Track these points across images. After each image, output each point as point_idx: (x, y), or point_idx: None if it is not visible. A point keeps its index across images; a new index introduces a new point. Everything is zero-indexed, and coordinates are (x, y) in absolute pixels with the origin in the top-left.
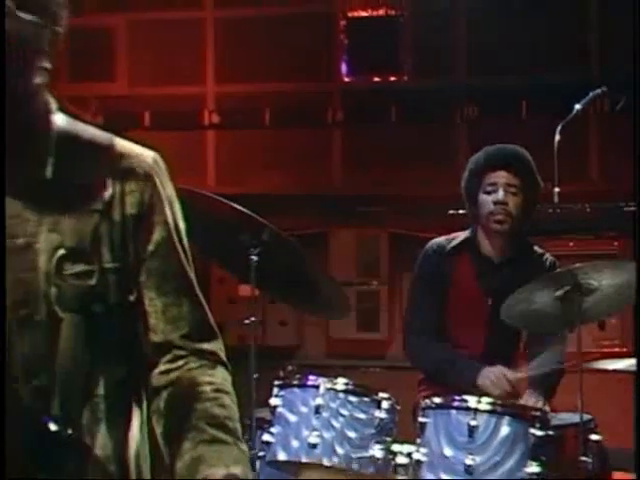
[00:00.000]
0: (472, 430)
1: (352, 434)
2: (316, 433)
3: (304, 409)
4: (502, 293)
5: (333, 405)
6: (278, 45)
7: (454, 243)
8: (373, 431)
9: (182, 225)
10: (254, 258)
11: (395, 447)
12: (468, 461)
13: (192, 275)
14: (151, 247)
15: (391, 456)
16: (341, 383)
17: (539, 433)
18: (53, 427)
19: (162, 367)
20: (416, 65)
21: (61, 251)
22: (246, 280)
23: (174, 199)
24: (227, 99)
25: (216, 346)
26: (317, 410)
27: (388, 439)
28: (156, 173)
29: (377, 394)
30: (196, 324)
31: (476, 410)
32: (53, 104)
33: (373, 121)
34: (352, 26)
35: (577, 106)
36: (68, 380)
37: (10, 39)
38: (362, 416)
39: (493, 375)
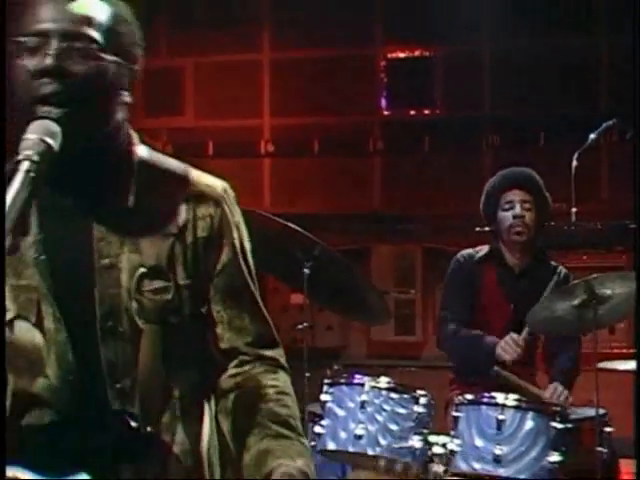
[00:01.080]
0: (500, 424)
1: (393, 427)
2: (362, 426)
3: (351, 404)
4: (522, 299)
5: (377, 401)
6: (326, 83)
7: (481, 254)
8: (412, 424)
9: (248, 246)
10: (306, 271)
11: (432, 438)
12: (497, 451)
13: (255, 290)
14: (219, 266)
15: (428, 446)
16: (384, 382)
17: (559, 426)
18: (133, 424)
19: (230, 371)
20: (447, 100)
21: (141, 270)
22: (298, 289)
23: (241, 223)
24: (281, 131)
25: (277, 353)
26: (362, 405)
27: (425, 431)
28: (225, 201)
29: (415, 391)
30: (258, 333)
31: (504, 406)
32: (135, 137)
33: (409, 149)
34: (391, 66)
35: (592, 135)
36: (148, 383)
37: (96, 79)
38: (402, 411)
39: (504, 343)
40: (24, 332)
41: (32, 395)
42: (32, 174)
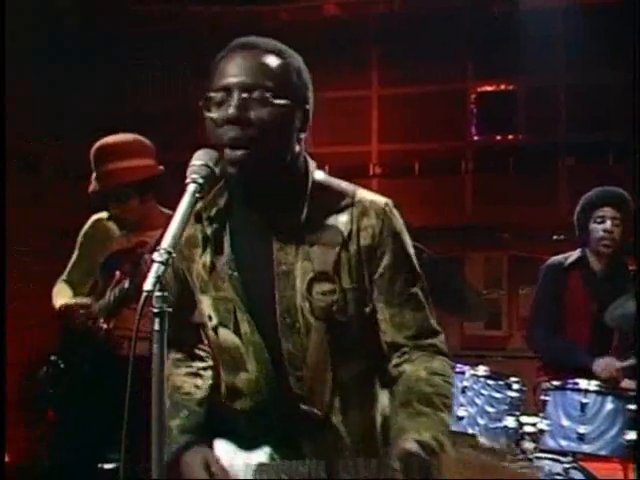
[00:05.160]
0: (583, 406)
1: (490, 409)
2: (463, 408)
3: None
4: (604, 300)
5: (476, 387)
6: (425, 114)
7: (570, 260)
8: (506, 407)
9: (411, 251)
10: None
11: (523, 419)
12: (581, 430)
13: (417, 288)
14: (381, 270)
15: (519, 426)
16: (482, 370)
17: (635, 408)
18: (304, 407)
19: (394, 361)
20: (528, 126)
21: (311, 275)
22: None
23: (402, 232)
24: (387, 155)
25: (435, 340)
26: (463, 390)
27: (517, 413)
28: (385, 213)
29: (509, 378)
30: (417, 326)
31: (586, 391)
32: (312, 164)
33: (496, 169)
34: (480, 98)
35: None
36: (319, 371)
37: (271, 122)
38: (498, 395)
39: (604, 363)
40: (226, 336)
41: (237, 387)
42: (197, 195)
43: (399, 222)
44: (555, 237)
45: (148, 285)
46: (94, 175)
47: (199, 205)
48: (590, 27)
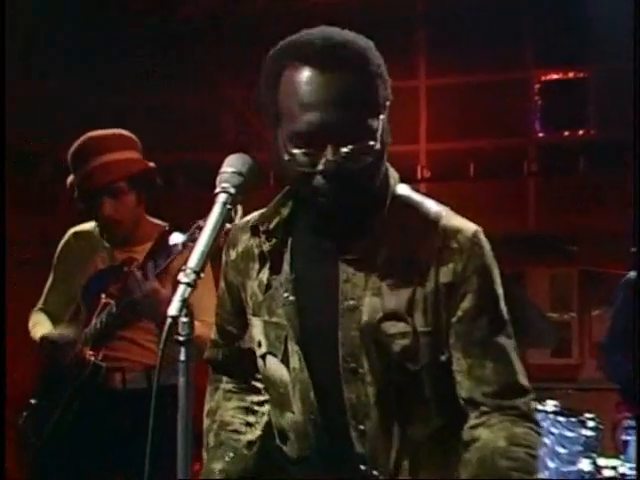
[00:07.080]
0: None
1: (561, 450)
2: None
3: None
4: None
5: (544, 424)
6: (481, 107)
7: None
8: (580, 448)
9: (499, 292)
10: None
11: (601, 461)
12: None
13: (504, 338)
14: (460, 313)
15: (597, 470)
16: (551, 405)
17: None
18: (362, 467)
19: (471, 422)
20: (601, 120)
21: (380, 314)
22: None
23: (489, 269)
24: (437, 156)
25: (521, 401)
26: None
27: (594, 454)
28: (472, 246)
29: (582, 414)
30: (499, 384)
31: None
32: (392, 177)
33: (564, 170)
34: (545, 88)
35: None
36: (383, 427)
37: (374, 165)
38: (570, 434)
39: None
40: (274, 368)
41: (284, 429)
42: (228, 206)
43: (488, 256)
44: (633, 249)
45: (173, 310)
46: (75, 180)
47: (255, 217)
48: None
